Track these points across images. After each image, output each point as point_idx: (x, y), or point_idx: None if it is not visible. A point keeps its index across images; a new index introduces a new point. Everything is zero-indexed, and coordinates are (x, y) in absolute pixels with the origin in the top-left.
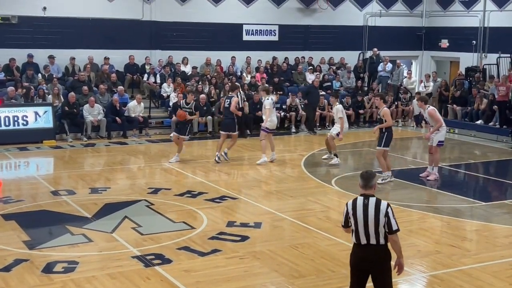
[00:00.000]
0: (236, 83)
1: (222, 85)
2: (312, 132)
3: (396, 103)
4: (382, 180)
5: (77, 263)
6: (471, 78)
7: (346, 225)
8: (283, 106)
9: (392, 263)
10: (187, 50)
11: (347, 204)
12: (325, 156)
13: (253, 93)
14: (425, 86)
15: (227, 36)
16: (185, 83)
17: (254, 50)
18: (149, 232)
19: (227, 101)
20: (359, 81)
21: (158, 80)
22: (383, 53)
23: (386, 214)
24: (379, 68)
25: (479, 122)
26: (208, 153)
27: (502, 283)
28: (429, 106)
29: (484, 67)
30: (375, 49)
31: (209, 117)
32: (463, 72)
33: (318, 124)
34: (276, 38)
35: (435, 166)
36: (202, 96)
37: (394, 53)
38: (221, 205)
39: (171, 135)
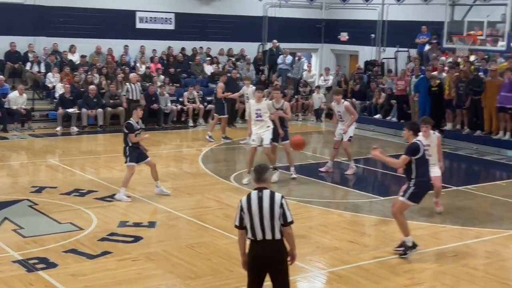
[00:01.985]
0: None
1: (114, 75)
2: (232, 125)
3: (296, 96)
4: (295, 174)
5: None
6: (370, 72)
7: (240, 224)
8: (180, 99)
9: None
10: (75, 37)
11: (241, 200)
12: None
13: (148, 84)
14: (324, 80)
15: (119, 23)
16: (73, 73)
17: (149, 39)
18: (32, 235)
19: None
20: (263, 75)
21: (43, 70)
22: (283, 45)
23: (281, 206)
24: (279, 60)
25: (377, 116)
26: (98, 149)
27: (399, 278)
28: (344, 100)
29: (383, 61)
30: (275, 41)
31: (100, 109)
32: (362, 66)
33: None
34: (172, 27)
35: (351, 160)
36: (92, 87)
37: (294, 45)
38: (113, 204)
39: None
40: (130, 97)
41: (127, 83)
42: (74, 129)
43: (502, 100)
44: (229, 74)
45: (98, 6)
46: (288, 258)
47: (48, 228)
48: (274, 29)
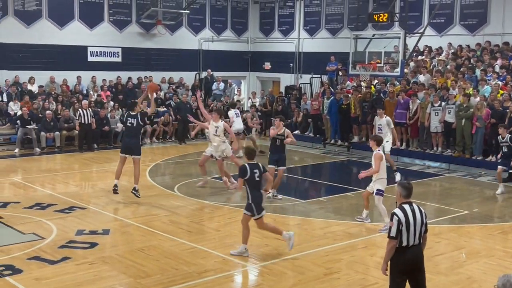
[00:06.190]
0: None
1: (69, 102)
2: (183, 143)
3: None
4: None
5: None
6: (290, 95)
7: (397, 235)
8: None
9: None
10: (33, 70)
11: (396, 214)
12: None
13: (99, 109)
14: (252, 102)
15: (72, 57)
16: (32, 101)
17: (99, 70)
18: None
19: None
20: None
21: (5, 99)
22: (216, 74)
23: (426, 216)
24: (213, 86)
25: (296, 132)
26: (56, 167)
27: (319, 268)
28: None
29: (300, 85)
30: (209, 70)
31: (57, 132)
32: (283, 90)
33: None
34: (119, 59)
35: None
36: (49, 112)
37: (226, 74)
38: (70, 215)
39: None
40: (82, 121)
41: (79, 109)
42: (37, 150)
43: (398, 116)
44: (178, 100)
45: (53, 42)
46: None
47: (13, 238)
48: (208, 60)
